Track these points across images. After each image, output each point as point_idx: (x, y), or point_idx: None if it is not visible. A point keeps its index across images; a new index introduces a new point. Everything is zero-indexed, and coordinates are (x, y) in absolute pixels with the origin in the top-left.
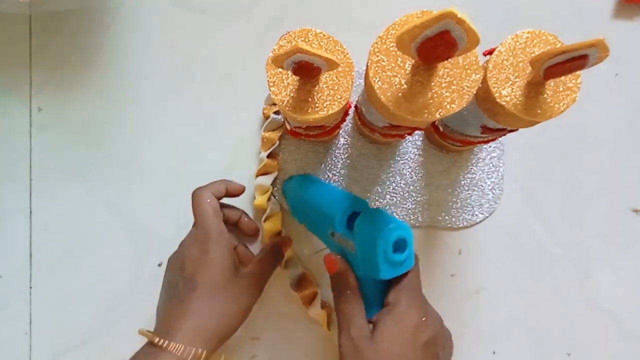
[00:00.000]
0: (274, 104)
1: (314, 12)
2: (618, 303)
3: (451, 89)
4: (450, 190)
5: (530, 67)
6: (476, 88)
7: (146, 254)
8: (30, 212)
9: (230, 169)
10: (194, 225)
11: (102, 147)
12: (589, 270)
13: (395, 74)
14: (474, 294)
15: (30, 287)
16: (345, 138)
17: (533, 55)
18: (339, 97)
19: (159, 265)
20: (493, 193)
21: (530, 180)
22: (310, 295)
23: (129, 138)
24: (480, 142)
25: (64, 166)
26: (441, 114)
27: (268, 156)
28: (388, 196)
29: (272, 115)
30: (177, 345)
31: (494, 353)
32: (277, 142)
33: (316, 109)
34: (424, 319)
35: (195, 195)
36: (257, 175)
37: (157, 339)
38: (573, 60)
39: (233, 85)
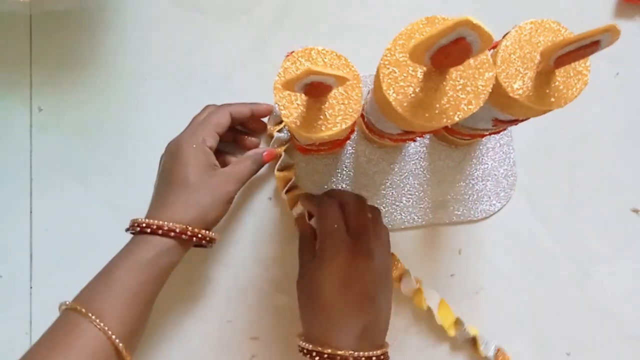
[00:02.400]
0: (278, 123)
1: (314, 12)
2: (618, 303)
3: (466, 91)
4: (464, 184)
5: (538, 57)
6: (491, 86)
7: None
8: (31, 212)
9: None
10: (185, 131)
11: (102, 147)
12: (589, 270)
13: (408, 83)
14: (474, 294)
15: (31, 287)
16: (352, 146)
17: (539, 44)
18: (350, 110)
19: None
20: (507, 180)
21: (530, 180)
22: (294, 197)
23: (129, 138)
24: (490, 134)
25: (64, 166)
26: (460, 116)
27: (282, 169)
28: (404, 199)
29: (276, 134)
30: (149, 220)
31: None
32: (282, 154)
33: (329, 126)
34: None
35: (213, 107)
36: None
37: (147, 220)
38: (585, 48)
39: (233, 85)
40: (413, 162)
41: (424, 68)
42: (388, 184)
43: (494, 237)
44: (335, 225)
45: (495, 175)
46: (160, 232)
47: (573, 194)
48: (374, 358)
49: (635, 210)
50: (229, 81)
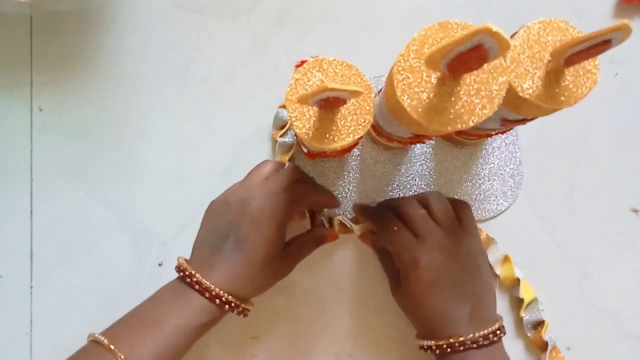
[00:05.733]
0: (281, 128)
1: (314, 12)
2: (618, 303)
3: (480, 95)
4: (471, 184)
5: (547, 56)
6: (505, 90)
7: (147, 254)
8: (31, 212)
9: (231, 169)
10: (271, 190)
11: (102, 147)
12: (589, 270)
13: (422, 89)
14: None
15: (31, 287)
16: (358, 149)
17: (548, 44)
18: (362, 120)
19: (160, 265)
20: (514, 179)
21: (530, 180)
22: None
23: (129, 138)
24: (497, 133)
25: (64, 166)
26: (474, 121)
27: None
28: None
29: (279, 140)
30: (211, 286)
31: None
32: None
33: (342, 137)
34: None
35: (294, 170)
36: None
37: (194, 272)
38: (596, 46)
39: (233, 85)
40: (419, 163)
41: (438, 73)
42: (395, 185)
43: (494, 237)
44: (403, 239)
45: (502, 174)
46: (217, 301)
47: (573, 193)
48: (490, 335)
49: (635, 210)
50: (229, 81)
